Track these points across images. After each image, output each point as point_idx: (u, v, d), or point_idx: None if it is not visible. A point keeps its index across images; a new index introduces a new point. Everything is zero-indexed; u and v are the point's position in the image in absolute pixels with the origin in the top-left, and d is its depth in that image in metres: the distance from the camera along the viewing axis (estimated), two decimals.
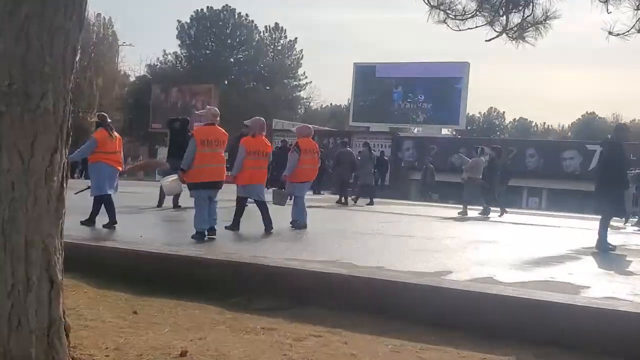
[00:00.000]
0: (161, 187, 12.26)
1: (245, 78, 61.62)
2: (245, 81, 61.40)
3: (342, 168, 19.74)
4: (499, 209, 18.05)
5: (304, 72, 67.20)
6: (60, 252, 4.00)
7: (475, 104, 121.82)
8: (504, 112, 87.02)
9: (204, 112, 9.64)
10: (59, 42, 3.88)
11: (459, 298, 5.68)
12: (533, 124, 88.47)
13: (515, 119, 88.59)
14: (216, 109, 9.81)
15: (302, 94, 69.45)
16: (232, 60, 62.50)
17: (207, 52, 61.25)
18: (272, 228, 10.44)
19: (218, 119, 9.53)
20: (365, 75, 43.82)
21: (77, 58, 4.07)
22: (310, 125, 12.46)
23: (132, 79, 63.62)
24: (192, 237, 9.07)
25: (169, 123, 15.16)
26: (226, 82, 60.09)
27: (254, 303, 6.12)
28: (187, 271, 6.97)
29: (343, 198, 19.80)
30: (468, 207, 17.79)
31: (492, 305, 5.52)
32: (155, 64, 62.83)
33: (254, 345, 4.62)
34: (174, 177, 10.16)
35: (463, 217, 16.87)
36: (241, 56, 62.50)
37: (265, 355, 4.39)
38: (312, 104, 74.47)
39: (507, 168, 20.41)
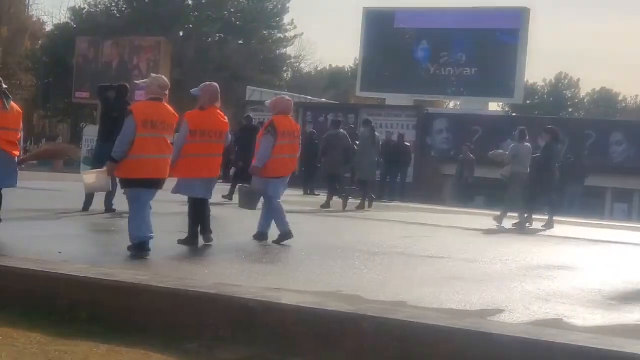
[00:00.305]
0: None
1: (208, 28, 61.35)
2: (208, 32, 61.37)
3: (332, 157, 19.78)
4: (547, 217, 18.14)
5: (292, 21, 66.25)
6: None
7: (538, 69, 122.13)
8: (578, 81, 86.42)
9: (148, 82, 9.54)
10: None
11: (514, 349, 5.68)
12: (620, 97, 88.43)
13: (594, 90, 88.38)
14: (164, 78, 9.75)
15: (289, 51, 69.40)
16: (190, 2, 62.32)
17: None
18: (211, 240, 10.51)
19: (167, 92, 9.48)
20: (379, 25, 43.62)
21: None
22: (288, 98, 12.44)
23: (48, 28, 63.88)
24: (129, 249, 9.15)
25: (99, 92, 15.07)
26: (181, 33, 60.03)
27: (218, 351, 6.15)
28: (124, 303, 6.96)
29: (335, 199, 19.95)
30: (509, 213, 17.83)
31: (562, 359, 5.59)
32: (82, 7, 62.74)
33: None
34: (101, 170, 10.06)
35: (509, 229, 16.89)
36: None
37: None
38: (303, 65, 74.69)
39: (582, 161, 20.48)
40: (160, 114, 9.25)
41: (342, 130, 20.56)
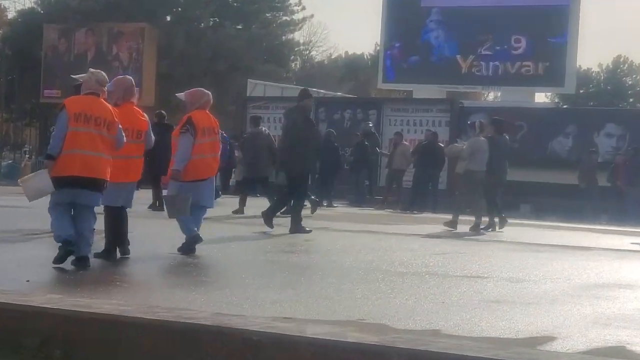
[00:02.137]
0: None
1: (200, 11, 61.37)
2: (200, 16, 61.55)
3: (257, 159, 20.38)
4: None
5: (300, 1, 66.27)
6: None
7: (592, 53, 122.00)
8: None
9: (85, 77, 10.30)
10: None
11: None
12: None
13: None
14: (103, 73, 10.42)
15: (297, 36, 69.90)
16: None
17: None
18: (128, 253, 10.98)
19: (105, 89, 10.14)
20: (404, 4, 43.80)
21: None
22: (205, 90, 12.74)
23: (10, 14, 65.22)
24: (54, 262, 9.88)
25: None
26: (169, 18, 60.41)
27: None
28: (105, 339, 6.91)
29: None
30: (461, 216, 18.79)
31: None
32: None
33: None
34: (38, 171, 10.63)
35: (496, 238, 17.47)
36: None
37: None
38: (314, 53, 75.83)
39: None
40: (95, 109, 9.94)
41: (263, 128, 21.52)
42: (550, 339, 7.15)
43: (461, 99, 41.22)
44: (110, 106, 10.23)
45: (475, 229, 18.51)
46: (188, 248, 11.72)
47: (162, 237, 13.77)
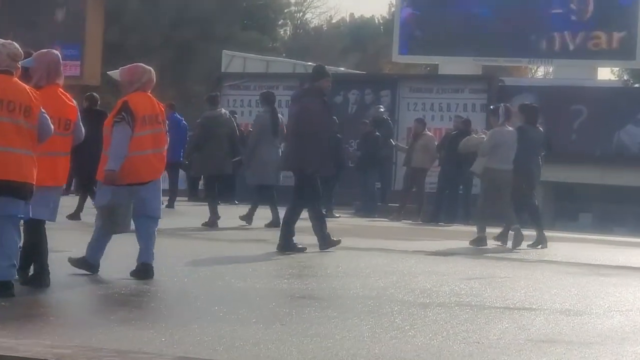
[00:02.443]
0: None
1: None
2: None
3: (211, 151, 20.40)
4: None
5: None
6: None
7: None
8: None
9: None
10: None
11: None
12: None
13: None
14: (16, 45, 10.21)
15: None
16: None
17: None
18: (48, 284, 10.81)
19: (19, 64, 9.95)
20: None
21: None
22: (145, 66, 12.48)
23: None
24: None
25: None
26: None
27: None
28: None
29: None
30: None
31: None
32: None
33: None
34: None
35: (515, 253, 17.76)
36: None
37: None
38: (309, 16, 76.51)
39: None
40: (8, 92, 9.75)
41: (223, 110, 21.37)
42: None
43: (501, 75, 41.44)
44: (27, 87, 10.07)
45: (501, 239, 18.92)
46: (82, 265, 11.61)
47: (107, 257, 13.74)
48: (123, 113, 11.40)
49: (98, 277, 12.21)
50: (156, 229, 12.28)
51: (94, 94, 22.13)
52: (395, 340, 8.75)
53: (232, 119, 21.52)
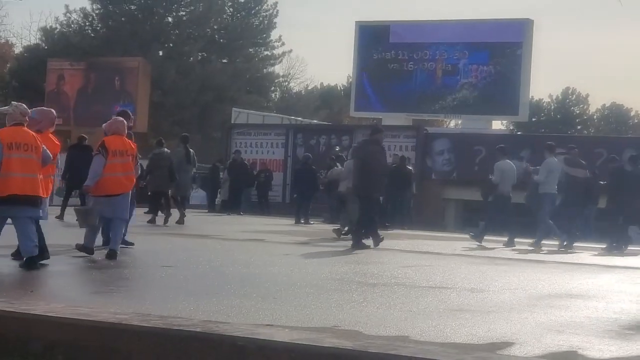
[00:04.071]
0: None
1: (190, 47, 62.11)
2: (190, 51, 62.06)
3: (158, 175, 21.19)
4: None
5: (280, 37, 67.23)
6: None
7: (543, 84, 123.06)
8: (587, 96, 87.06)
9: (10, 110, 11.00)
10: None
11: None
12: (632, 113, 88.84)
13: (604, 105, 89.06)
14: (24, 106, 11.17)
15: (277, 69, 70.51)
16: (169, 19, 63.42)
17: (132, 7, 62.05)
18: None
19: (27, 118, 10.97)
20: (373, 40, 44.13)
21: None
22: (122, 119, 13.38)
23: (17, 49, 64.95)
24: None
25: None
26: (161, 53, 60.66)
27: None
28: (104, 344, 6.96)
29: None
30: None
31: None
32: (53, 27, 63.61)
33: None
34: None
35: (523, 257, 17.21)
36: (184, 13, 63.22)
37: None
38: (292, 84, 75.67)
39: (597, 180, 21.03)
40: (23, 137, 10.78)
41: (165, 150, 22.32)
42: (508, 344, 7.15)
43: (426, 125, 41.53)
44: (32, 133, 10.95)
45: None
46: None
47: (148, 250, 13.93)
48: (100, 148, 12.50)
49: (145, 262, 12.49)
50: (124, 226, 13.16)
51: (83, 135, 23.22)
52: (353, 310, 8.74)
53: (170, 155, 22.11)
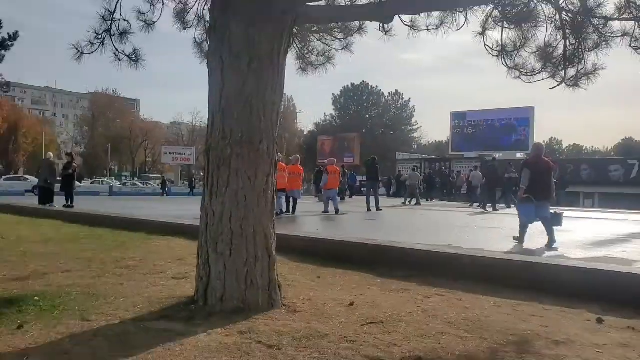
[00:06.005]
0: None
1: (376, 128, 74.04)
2: (376, 130, 73.72)
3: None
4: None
5: (416, 120, 79.04)
6: (274, 237, 4.92)
7: (540, 135, 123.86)
8: (561, 140, 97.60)
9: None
10: (269, 109, 4.94)
11: (541, 270, 6.17)
12: (584, 148, 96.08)
13: (570, 144, 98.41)
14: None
15: (415, 135, 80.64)
16: (367, 116, 76.35)
17: (351, 112, 76.06)
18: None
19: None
20: (459, 118, 48.99)
21: (279, 119, 5.08)
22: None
23: (305, 133, 78.26)
24: None
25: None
26: (364, 131, 70.22)
27: (394, 272, 6.78)
28: (338, 249, 7.58)
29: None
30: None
31: (567, 274, 6.08)
32: (319, 122, 77.90)
33: (397, 300, 5.27)
34: None
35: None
36: (374, 113, 76.83)
37: (405, 307, 4.98)
38: (422, 141, 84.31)
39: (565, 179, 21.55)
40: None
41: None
42: (531, 253, 7.97)
43: (485, 157, 43.36)
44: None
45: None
46: None
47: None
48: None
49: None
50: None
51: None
52: (456, 237, 9.81)
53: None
